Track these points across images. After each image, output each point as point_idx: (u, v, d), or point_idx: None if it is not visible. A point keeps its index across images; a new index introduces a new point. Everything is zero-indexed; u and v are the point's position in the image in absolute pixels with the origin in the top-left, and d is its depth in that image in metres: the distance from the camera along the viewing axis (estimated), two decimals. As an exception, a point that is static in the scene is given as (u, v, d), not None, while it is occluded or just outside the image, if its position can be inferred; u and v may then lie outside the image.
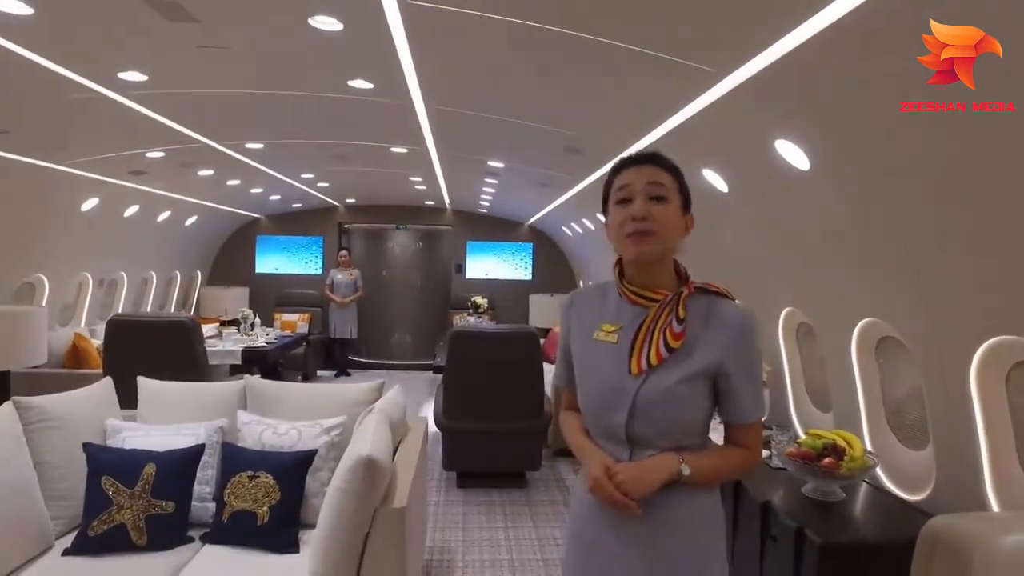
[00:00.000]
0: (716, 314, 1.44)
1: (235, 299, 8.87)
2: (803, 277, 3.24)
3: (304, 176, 6.72)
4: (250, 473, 2.70)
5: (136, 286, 7.70)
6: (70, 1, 2.30)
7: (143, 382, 3.30)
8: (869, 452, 2.58)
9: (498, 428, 4.54)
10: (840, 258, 2.76)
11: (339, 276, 8.83)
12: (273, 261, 9.92)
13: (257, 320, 7.15)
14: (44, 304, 5.85)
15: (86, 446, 2.72)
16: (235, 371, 6.39)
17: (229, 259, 9.80)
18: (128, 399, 3.26)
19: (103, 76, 3.11)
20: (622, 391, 1.43)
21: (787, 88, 2.22)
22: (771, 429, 3.23)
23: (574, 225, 7.53)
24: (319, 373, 8.89)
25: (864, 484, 2.66)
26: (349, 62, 2.93)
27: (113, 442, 2.88)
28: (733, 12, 1.98)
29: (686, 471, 1.39)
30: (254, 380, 3.27)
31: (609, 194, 1.53)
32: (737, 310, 1.45)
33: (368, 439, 2.29)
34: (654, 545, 1.43)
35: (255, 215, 9.63)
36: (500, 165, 5.20)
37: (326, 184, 7.43)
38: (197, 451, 2.80)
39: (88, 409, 2.99)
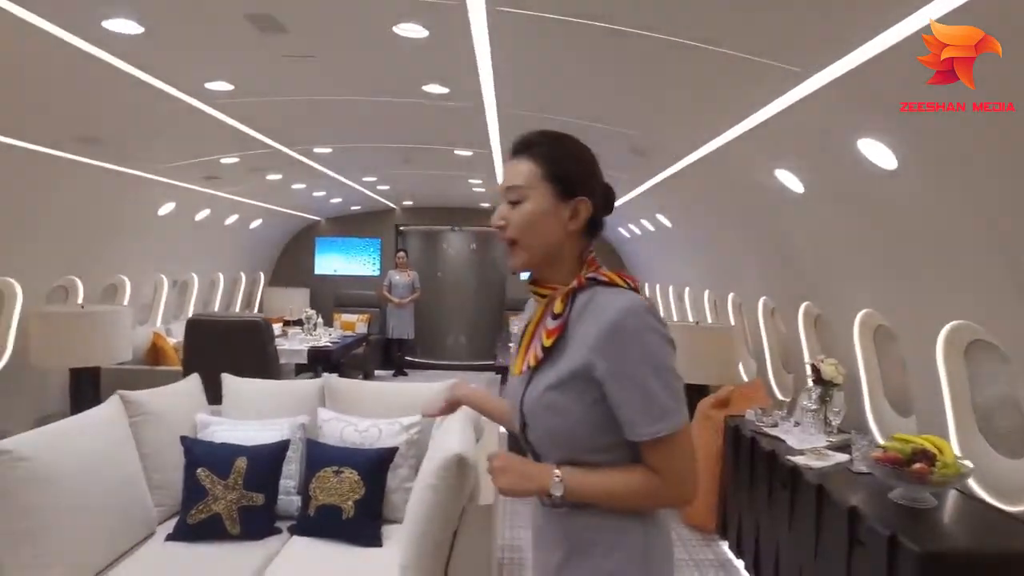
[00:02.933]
0: (592, 307, 1.23)
1: (296, 300, 9.12)
2: (883, 278, 3.17)
3: (366, 179, 6.88)
4: (335, 468, 2.79)
5: (205, 287, 8.00)
6: (175, 18, 2.43)
7: (227, 379, 3.44)
8: (960, 459, 2.51)
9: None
10: (926, 259, 2.70)
11: (397, 277, 8.99)
12: (332, 263, 10.16)
13: (320, 320, 7.35)
14: (126, 304, 6.14)
15: (183, 439, 2.86)
16: (300, 370, 6.59)
17: (290, 261, 10.08)
18: (207, 395, 3.39)
19: (193, 87, 3.26)
20: (515, 396, 1.32)
21: (877, 86, 2.19)
22: (849, 433, 3.18)
23: (631, 226, 7.49)
24: (376, 373, 9.07)
25: (954, 492, 2.59)
26: (427, 68, 3.00)
27: (203, 435, 3.01)
28: (824, 12, 1.96)
29: (556, 491, 1.20)
30: (333, 379, 3.38)
31: None
32: (614, 300, 1.21)
33: (455, 437, 2.35)
34: (552, 564, 1.30)
35: (315, 218, 9.88)
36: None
37: (387, 187, 7.59)
38: (283, 446, 2.91)
39: (179, 404, 3.14)
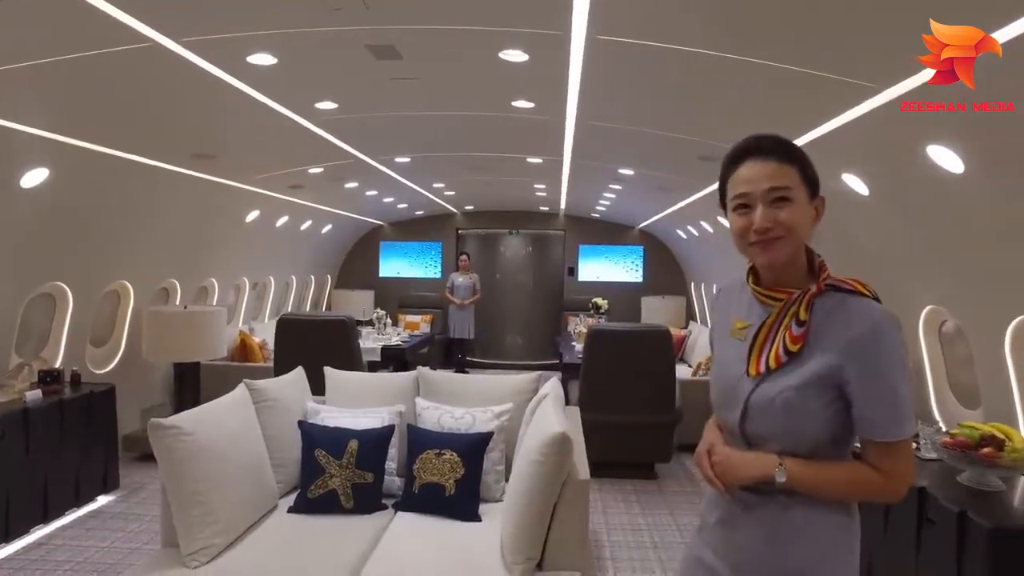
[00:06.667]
0: (843, 314, 1.28)
1: (362, 301, 9.56)
2: (950, 276, 3.31)
3: (436, 185, 7.23)
4: (436, 451, 3.08)
5: (280, 289, 8.49)
6: (304, 49, 2.77)
7: (329, 372, 3.79)
8: (1028, 445, 2.65)
9: (632, 420, 4.80)
10: (992, 257, 2.84)
11: (459, 279, 9.33)
12: (395, 265, 10.58)
13: (389, 320, 7.73)
14: (215, 304, 6.62)
15: (300, 423, 3.21)
16: (372, 366, 6.96)
17: (355, 264, 10.55)
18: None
19: (304, 107, 3.61)
20: (738, 391, 1.38)
21: (949, 96, 2.35)
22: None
23: (691, 228, 7.66)
24: (438, 371, 9.42)
25: (1023, 477, 2.73)
26: (519, 86, 3.28)
27: (314, 421, 3.34)
28: (900, 29, 2.12)
29: (780, 478, 1.29)
30: (427, 371, 3.69)
31: (726, 189, 1.40)
32: (868, 309, 1.28)
33: (554, 419, 2.62)
34: (740, 543, 1.39)
35: (379, 222, 10.31)
36: (629, 172, 5.46)
37: (453, 192, 7.93)
38: (388, 431, 3.23)
39: (291, 393, 3.48)
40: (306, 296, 9.45)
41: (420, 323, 9.22)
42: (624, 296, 9.91)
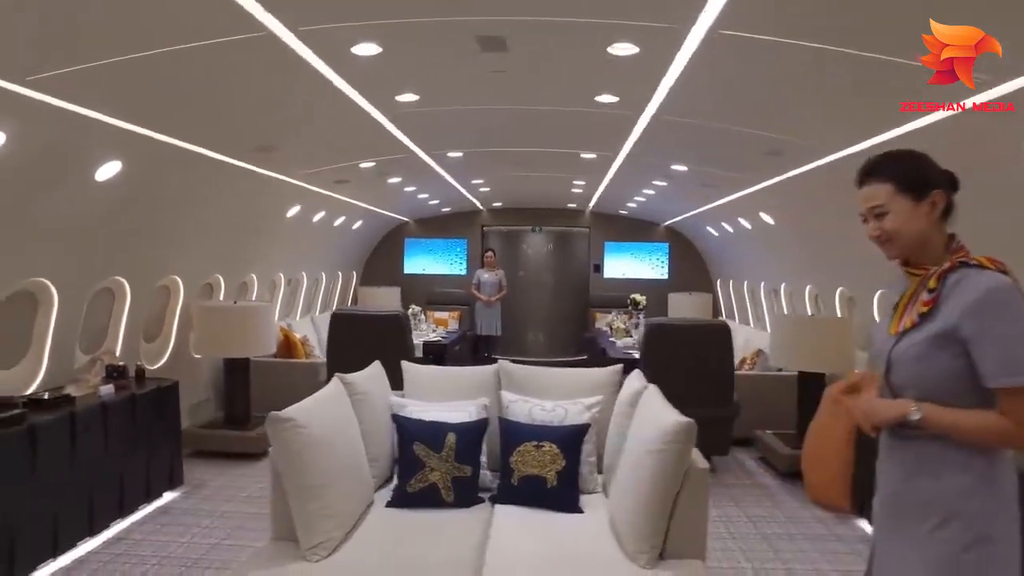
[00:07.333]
0: (965, 283, 1.54)
1: (389, 298, 9.52)
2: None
3: (474, 181, 7.21)
4: (535, 443, 3.08)
5: (310, 286, 8.46)
6: (409, 38, 2.75)
7: (407, 366, 3.80)
8: None
9: (690, 414, 4.76)
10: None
11: (485, 276, 9.32)
12: (420, 262, 10.57)
13: (424, 316, 7.73)
14: (254, 300, 6.59)
15: (394, 416, 3.20)
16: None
17: (379, 261, 10.52)
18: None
19: (385, 99, 3.59)
20: (884, 348, 1.68)
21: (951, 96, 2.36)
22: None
23: (725, 225, 7.68)
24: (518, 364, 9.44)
25: None
26: (611, 80, 3.27)
27: (402, 415, 3.33)
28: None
29: (915, 416, 1.53)
30: (507, 364, 3.69)
31: None
32: (986, 278, 1.52)
33: (667, 409, 2.64)
34: (892, 480, 1.66)
35: (404, 219, 10.29)
36: (682, 168, 5.47)
37: (488, 189, 7.92)
38: (483, 423, 3.22)
39: (376, 387, 3.47)
40: (334, 293, 9.42)
41: (448, 320, 9.19)
42: (650, 293, 9.87)
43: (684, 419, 2.47)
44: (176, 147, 3.99)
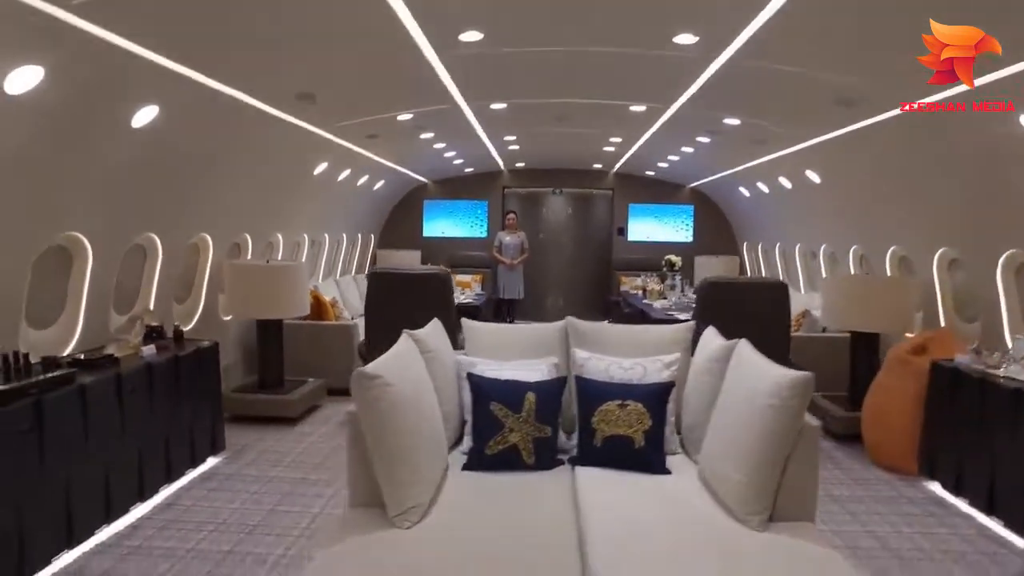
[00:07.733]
0: None
1: (410, 260, 9.33)
2: None
3: (506, 138, 6.95)
4: (619, 402, 2.90)
5: (331, 247, 8.22)
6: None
7: (467, 323, 3.63)
8: None
9: (748, 377, 4.65)
10: None
11: (507, 238, 9.10)
12: (440, 225, 10.32)
13: (453, 279, 7.52)
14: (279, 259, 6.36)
15: (470, 376, 3.01)
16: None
17: (398, 223, 10.27)
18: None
19: (446, 37, 3.33)
20: None
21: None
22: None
23: (760, 184, 7.44)
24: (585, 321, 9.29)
25: None
26: (695, 17, 3.03)
27: (475, 373, 3.14)
28: None
29: None
30: (577, 322, 3.50)
31: None
32: None
33: (771, 364, 2.47)
34: None
35: (424, 179, 10.01)
36: (735, 122, 5.23)
37: (517, 147, 7.65)
38: (560, 382, 3.05)
39: (440, 344, 3.28)
40: (353, 255, 9.19)
41: (471, 283, 9.01)
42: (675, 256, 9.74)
43: (803, 372, 2.29)
44: (215, 92, 3.74)
